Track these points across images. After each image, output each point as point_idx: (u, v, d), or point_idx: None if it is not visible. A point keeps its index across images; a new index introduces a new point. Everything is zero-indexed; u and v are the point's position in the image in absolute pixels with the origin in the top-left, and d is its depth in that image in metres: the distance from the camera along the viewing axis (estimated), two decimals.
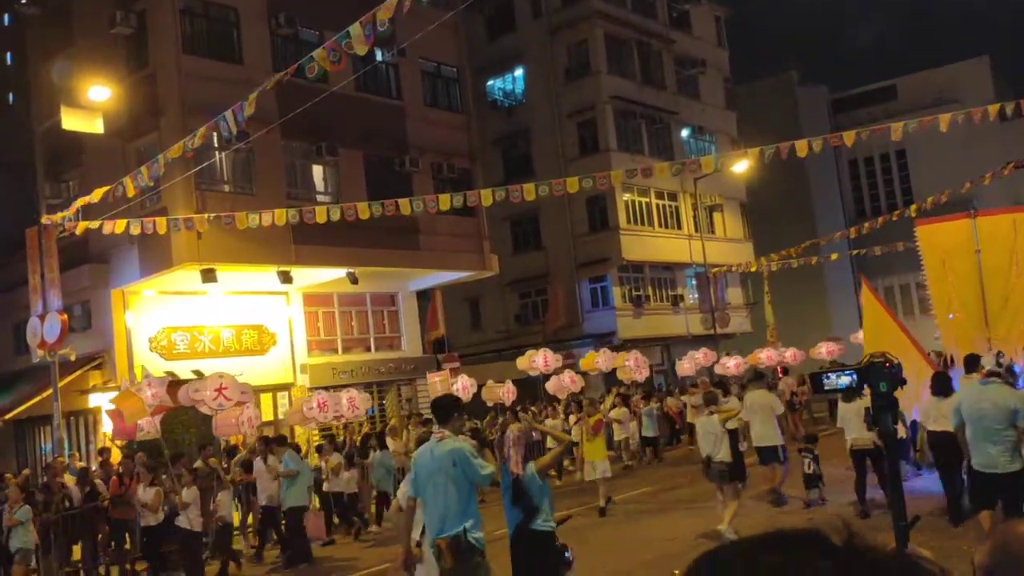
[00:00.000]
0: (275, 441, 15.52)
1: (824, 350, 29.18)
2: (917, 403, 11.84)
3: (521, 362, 23.24)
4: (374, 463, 16.96)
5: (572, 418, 20.34)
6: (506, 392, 21.47)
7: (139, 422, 15.20)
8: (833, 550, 0.85)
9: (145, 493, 13.61)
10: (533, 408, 22.37)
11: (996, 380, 9.57)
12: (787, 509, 13.21)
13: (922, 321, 44.87)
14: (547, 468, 7.36)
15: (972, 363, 11.95)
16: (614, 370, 25.14)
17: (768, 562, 0.84)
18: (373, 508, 17.09)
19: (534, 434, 13.95)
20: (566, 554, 7.13)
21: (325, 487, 16.42)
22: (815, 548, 0.85)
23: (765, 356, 28.53)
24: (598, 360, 23.74)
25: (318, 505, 16.47)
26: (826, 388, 6.29)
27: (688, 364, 27.11)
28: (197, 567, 13.04)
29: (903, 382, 5.89)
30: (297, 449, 16.15)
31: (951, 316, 14.15)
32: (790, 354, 29.34)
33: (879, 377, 5.74)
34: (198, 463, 15.84)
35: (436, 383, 20.82)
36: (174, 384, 19.09)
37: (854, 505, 12.04)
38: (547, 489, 7.17)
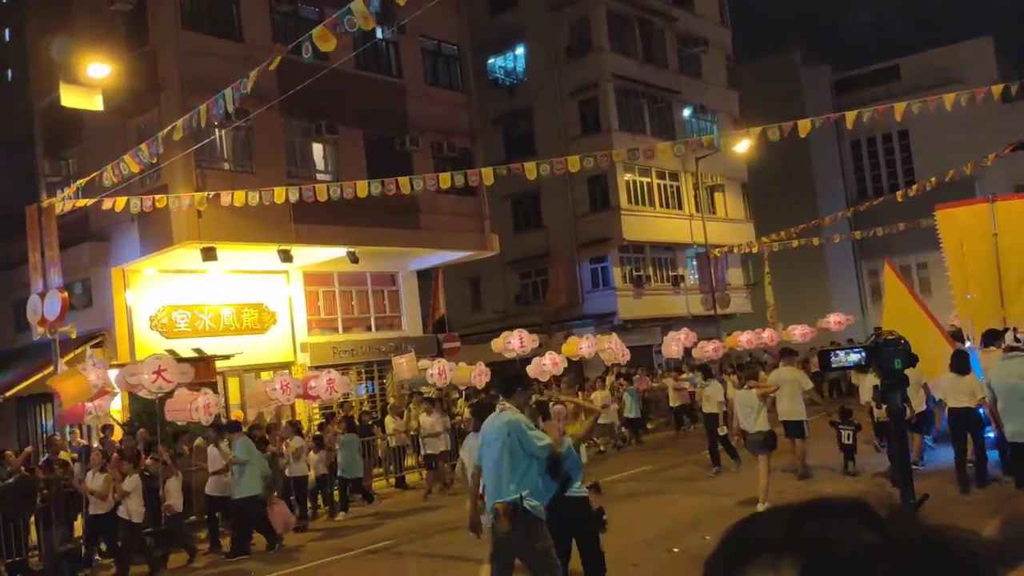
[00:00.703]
0: (228, 427, 14.49)
1: (832, 320, 29.60)
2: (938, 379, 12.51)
3: (496, 344, 22.19)
4: (340, 446, 16.36)
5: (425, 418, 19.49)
6: (478, 375, 20.41)
7: (89, 405, 14.72)
8: (878, 521, 0.83)
9: (94, 480, 12.85)
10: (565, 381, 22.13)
11: (1018, 354, 10.20)
12: (817, 479, 13.50)
13: (923, 299, 44.83)
14: (582, 440, 7.89)
15: (991, 337, 12.49)
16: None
17: (811, 530, 0.82)
18: (336, 494, 16.45)
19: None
20: (603, 517, 7.86)
21: (287, 472, 15.60)
22: (860, 518, 0.83)
23: (767, 336, 28.66)
24: (582, 345, 22.89)
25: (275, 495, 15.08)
26: (833, 366, 6.31)
27: (675, 346, 26.56)
28: (149, 559, 12.87)
29: (915, 360, 6.01)
30: (258, 442, 15.01)
31: (969, 296, 14.72)
32: (799, 331, 29.53)
33: (893, 354, 5.73)
34: (198, 440, 15.92)
35: (402, 364, 20.44)
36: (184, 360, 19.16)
37: (883, 474, 12.66)
38: (577, 458, 7.74)
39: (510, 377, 7.90)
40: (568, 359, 22.36)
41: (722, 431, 15.84)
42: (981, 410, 11.47)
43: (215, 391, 17.47)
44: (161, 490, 13.44)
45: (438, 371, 19.95)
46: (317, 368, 23.06)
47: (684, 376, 23.79)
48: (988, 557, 0.81)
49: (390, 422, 19.63)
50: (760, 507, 10.47)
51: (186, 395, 15.23)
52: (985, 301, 14.42)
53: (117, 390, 15.49)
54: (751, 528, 0.87)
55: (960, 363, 11.77)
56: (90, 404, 14.86)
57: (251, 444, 14.00)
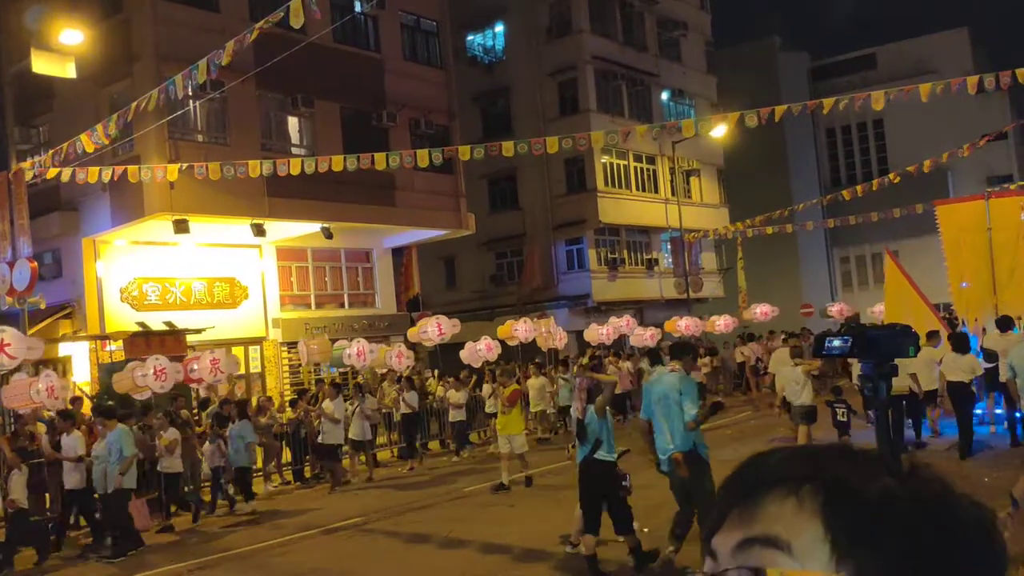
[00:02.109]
0: (104, 413, 12.83)
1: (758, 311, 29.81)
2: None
3: (412, 332, 21.12)
4: (232, 435, 14.82)
5: (487, 387, 19.62)
6: (397, 356, 19.51)
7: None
8: (898, 470, 0.85)
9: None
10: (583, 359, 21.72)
11: None
12: None
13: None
14: (601, 409, 8.47)
15: (1006, 323, 14.24)
16: (581, 332, 25.19)
17: (833, 468, 0.83)
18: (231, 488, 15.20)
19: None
20: (624, 482, 8.37)
21: (159, 467, 14.06)
22: (880, 464, 0.85)
23: (759, 312, 28.90)
24: (516, 328, 21.45)
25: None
26: (824, 352, 6.43)
27: (605, 331, 24.96)
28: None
29: (902, 351, 6.32)
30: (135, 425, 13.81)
31: (964, 284, 16.28)
32: (761, 310, 29.68)
33: (890, 343, 5.95)
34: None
35: (313, 348, 19.42)
36: (141, 335, 19.00)
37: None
38: (608, 426, 8.45)
39: (681, 344, 9.17)
40: (504, 342, 21.47)
41: None
42: (975, 384, 13.33)
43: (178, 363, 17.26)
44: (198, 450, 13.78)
45: (356, 352, 18.97)
46: (288, 344, 23.02)
47: (624, 363, 23.20)
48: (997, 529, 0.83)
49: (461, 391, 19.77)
50: None
51: (24, 379, 13.41)
52: (979, 289, 15.90)
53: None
54: (773, 460, 0.88)
55: (960, 343, 13.31)
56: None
57: (131, 434, 12.62)
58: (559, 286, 33.20)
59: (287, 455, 17.67)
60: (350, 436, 17.01)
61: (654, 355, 17.04)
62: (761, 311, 29.68)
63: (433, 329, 20.34)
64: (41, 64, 17.11)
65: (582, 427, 8.37)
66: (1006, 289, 15.56)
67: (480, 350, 20.71)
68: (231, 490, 15.13)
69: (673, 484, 8.30)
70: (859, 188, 24.90)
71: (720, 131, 28.30)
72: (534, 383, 20.23)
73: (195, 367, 16.26)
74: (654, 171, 35.65)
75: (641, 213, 34.63)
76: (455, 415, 19.12)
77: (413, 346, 21.29)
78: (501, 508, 12.58)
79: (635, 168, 34.72)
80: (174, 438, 13.97)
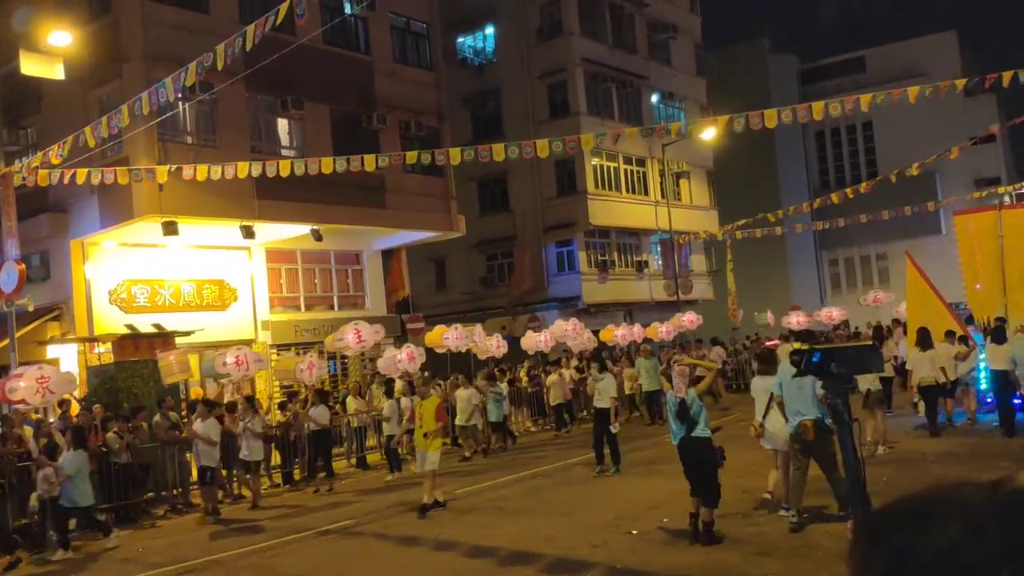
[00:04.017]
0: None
1: (794, 320, 29.64)
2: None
3: (329, 340, 19.97)
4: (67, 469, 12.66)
5: (404, 400, 17.20)
6: (307, 368, 18.15)
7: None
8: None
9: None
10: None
11: None
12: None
13: (880, 290, 45.62)
14: (702, 392, 9.62)
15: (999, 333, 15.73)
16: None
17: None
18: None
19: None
20: (720, 457, 9.35)
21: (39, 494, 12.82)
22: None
23: (686, 320, 28.50)
24: (447, 336, 20.58)
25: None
26: (802, 368, 6.96)
27: (542, 338, 23.64)
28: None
29: (867, 368, 7.78)
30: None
31: (978, 287, 18.09)
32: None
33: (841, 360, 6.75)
34: (156, 417, 15.76)
35: (171, 363, 16.88)
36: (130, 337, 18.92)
37: (921, 429, 15.34)
38: (703, 407, 9.46)
39: (802, 331, 11.19)
40: (431, 350, 20.67)
41: (614, 428, 14.66)
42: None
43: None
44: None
45: (235, 361, 17.09)
46: (279, 347, 22.96)
47: (568, 370, 22.35)
48: None
49: (351, 402, 19.47)
50: (881, 450, 13.47)
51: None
52: (991, 291, 17.66)
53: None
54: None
55: (998, 335, 15.27)
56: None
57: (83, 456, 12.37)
58: (549, 288, 33.23)
59: (276, 458, 17.63)
60: (240, 456, 15.39)
61: (601, 361, 16.55)
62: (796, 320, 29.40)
63: (352, 336, 18.96)
64: (30, 66, 17.02)
65: (684, 408, 9.31)
66: (1016, 290, 17.25)
67: (400, 359, 19.14)
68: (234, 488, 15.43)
69: (801, 446, 9.50)
70: (849, 191, 24.98)
71: (710, 134, 28.41)
72: (461, 394, 18.81)
73: (16, 386, 13.88)
74: (644, 173, 35.72)
75: (631, 215, 34.70)
76: (387, 428, 17.40)
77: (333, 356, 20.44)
78: (490, 511, 12.59)
79: (625, 170, 34.78)
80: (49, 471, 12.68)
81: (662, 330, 27.60)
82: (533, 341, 23.82)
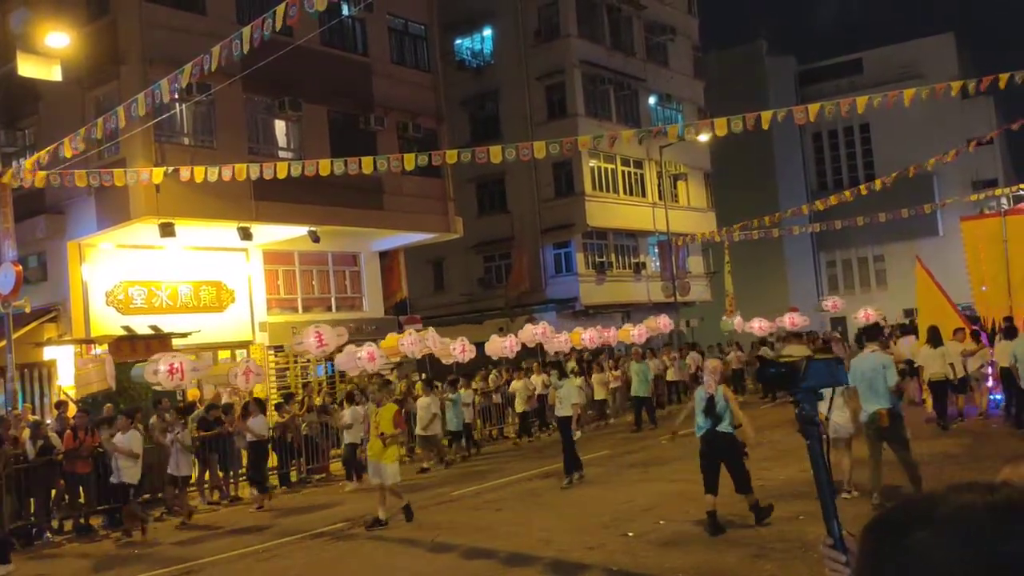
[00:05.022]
0: None
1: (788, 320, 29.57)
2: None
3: (289, 345, 19.97)
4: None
5: (356, 409, 16.52)
6: (243, 374, 17.71)
7: None
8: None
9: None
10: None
11: None
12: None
13: (877, 292, 45.57)
14: (728, 390, 10.11)
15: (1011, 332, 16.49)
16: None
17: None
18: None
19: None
20: (744, 449, 9.78)
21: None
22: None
23: (660, 323, 27.87)
24: (403, 342, 19.73)
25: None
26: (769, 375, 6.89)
27: (507, 343, 22.51)
28: None
29: (837, 381, 7.75)
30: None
31: (984, 288, 19.10)
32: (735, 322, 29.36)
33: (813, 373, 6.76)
34: (153, 419, 15.75)
35: (89, 371, 16.68)
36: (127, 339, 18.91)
37: (933, 422, 15.70)
38: (729, 405, 9.78)
39: (872, 327, 12.02)
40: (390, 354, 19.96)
41: (575, 436, 14.30)
42: None
43: None
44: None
45: (168, 370, 15.69)
46: (275, 348, 22.95)
47: (537, 377, 21.05)
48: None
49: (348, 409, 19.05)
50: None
51: None
52: (996, 292, 18.61)
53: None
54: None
55: (1011, 332, 15.80)
56: None
57: None
58: (547, 289, 33.24)
59: (273, 459, 17.60)
60: (168, 470, 14.41)
61: (561, 368, 16.26)
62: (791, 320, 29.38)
63: (312, 340, 18.33)
64: (27, 67, 17.02)
65: (712, 404, 9.69)
66: (1019, 291, 18.13)
67: (361, 357, 18.47)
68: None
69: (874, 432, 10.13)
70: (847, 193, 25.01)
71: (707, 135, 28.41)
72: (422, 402, 17.92)
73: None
74: (641, 175, 35.74)
75: (629, 217, 34.71)
76: (348, 437, 16.65)
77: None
78: (487, 512, 12.58)
79: (623, 172, 34.81)
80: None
81: (634, 333, 26.57)
82: (498, 346, 22.75)
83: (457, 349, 21.02)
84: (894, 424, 10.05)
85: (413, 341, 19.98)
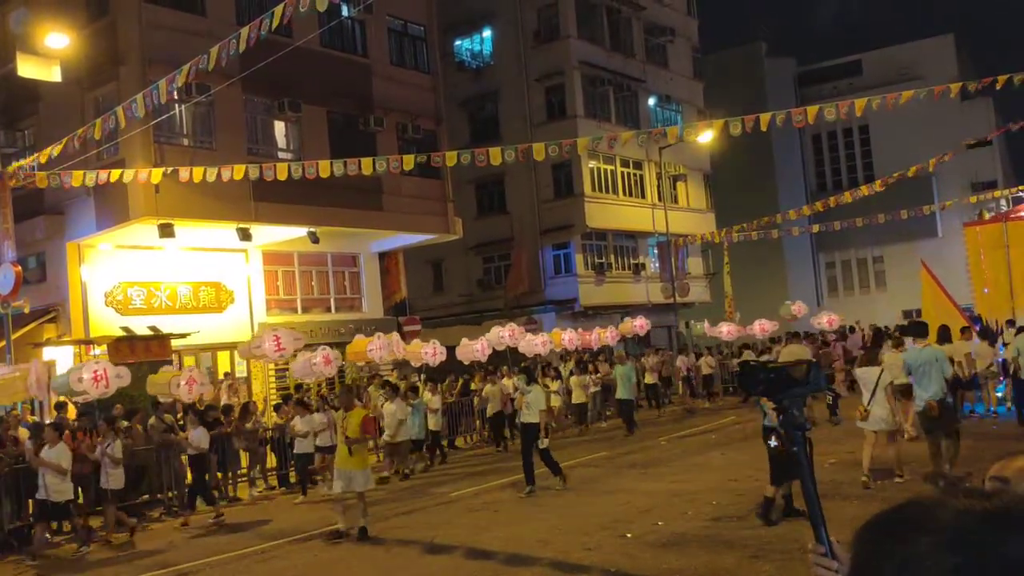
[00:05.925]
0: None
1: (757, 327, 28.86)
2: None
3: (244, 349, 19.33)
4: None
5: (314, 417, 15.87)
6: (187, 384, 16.51)
7: None
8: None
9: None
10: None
11: None
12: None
13: (877, 293, 45.59)
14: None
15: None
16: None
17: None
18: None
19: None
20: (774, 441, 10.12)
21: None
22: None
23: (637, 324, 27.47)
24: (371, 347, 19.27)
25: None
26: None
27: (479, 346, 21.63)
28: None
29: (815, 388, 8.12)
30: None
31: (986, 291, 19.89)
32: (726, 329, 28.84)
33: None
34: (152, 420, 15.75)
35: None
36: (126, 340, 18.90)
37: None
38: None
39: (919, 322, 13.13)
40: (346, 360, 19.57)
41: (542, 444, 13.66)
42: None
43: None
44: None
45: (92, 378, 14.57)
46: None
47: (509, 380, 20.04)
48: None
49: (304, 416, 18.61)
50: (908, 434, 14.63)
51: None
52: (997, 295, 19.37)
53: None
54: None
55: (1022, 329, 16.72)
56: None
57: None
58: (546, 290, 33.24)
59: (271, 460, 17.61)
60: (100, 484, 13.46)
61: (529, 373, 15.43)
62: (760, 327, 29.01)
63: (271, 344, 17.56)
64: (27, 68, 17.04)
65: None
66: (1021, 294, 18.96)
67: (316, 363, 17.70)
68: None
69: (928, 420, 11.06)
70: (847, 194, 25.04)
71: (706, 137, 28.40)
72: (388, 408, 17.02)
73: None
74: (641, 176, 35.74)
75: (628, 218, 34.72)
76: (300, 446, 15.86)
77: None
78: (485, 513, 12.58)
79: (622, 173, 34.81)
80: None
81: (607, 335, 25.71)
82: (469, 350, 21.79)
83: (428, 352, 20.25)
84: (945, 414, 10.89)
85: (380, 345, 19.39)
